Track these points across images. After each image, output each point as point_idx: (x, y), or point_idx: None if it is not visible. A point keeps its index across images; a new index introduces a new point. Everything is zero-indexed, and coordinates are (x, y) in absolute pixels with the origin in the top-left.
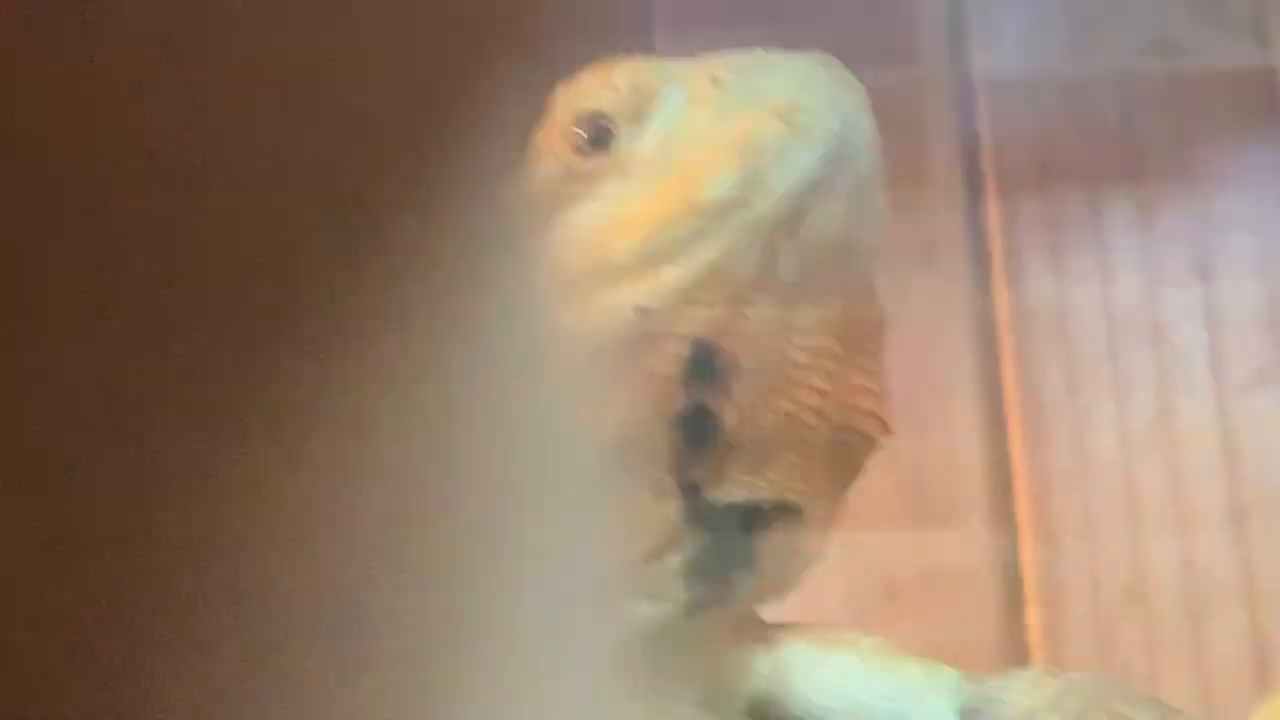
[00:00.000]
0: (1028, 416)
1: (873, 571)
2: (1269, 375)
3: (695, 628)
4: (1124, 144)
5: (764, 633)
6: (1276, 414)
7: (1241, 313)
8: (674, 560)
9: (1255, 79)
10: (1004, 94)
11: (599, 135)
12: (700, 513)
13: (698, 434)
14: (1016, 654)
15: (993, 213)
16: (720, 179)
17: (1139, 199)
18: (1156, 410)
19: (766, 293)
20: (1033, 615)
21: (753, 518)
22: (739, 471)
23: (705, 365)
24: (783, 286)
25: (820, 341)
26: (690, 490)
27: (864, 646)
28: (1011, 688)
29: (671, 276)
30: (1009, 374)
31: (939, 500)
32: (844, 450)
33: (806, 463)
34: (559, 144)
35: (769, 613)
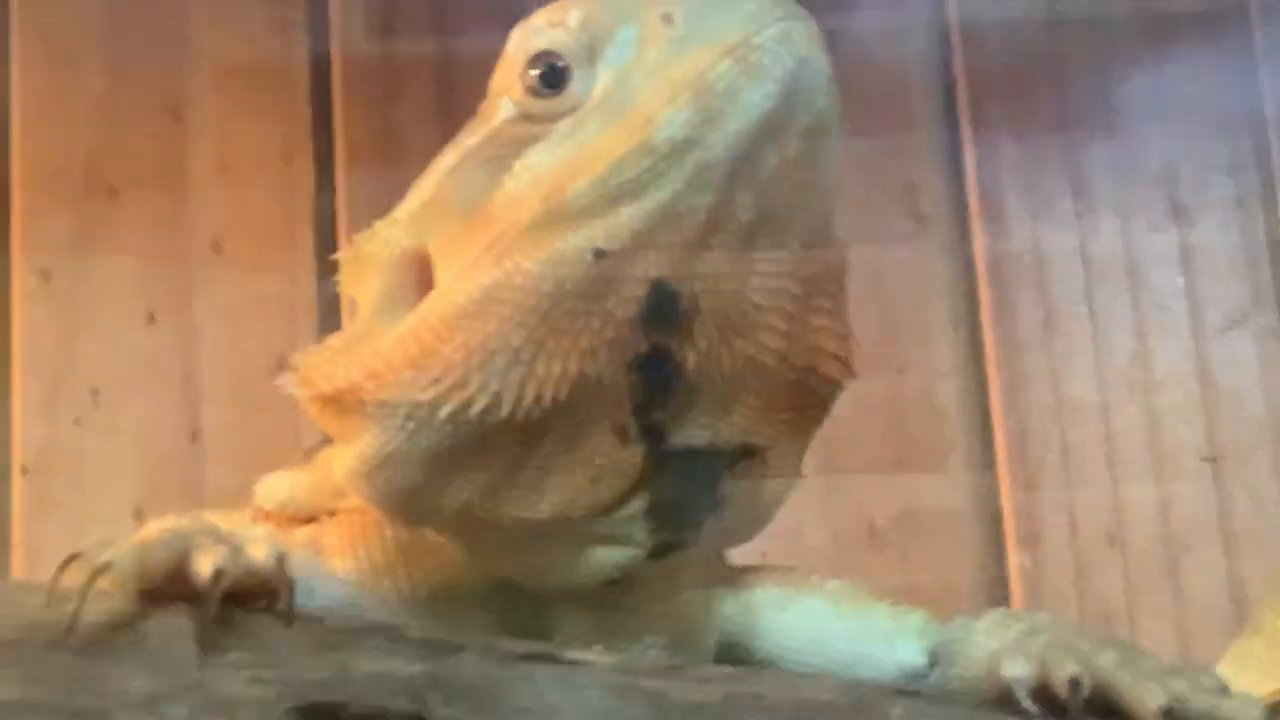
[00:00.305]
0: (1006, 359)
1: (853, 514)
2: (1244, 317)
3: (661, 572)
4: (1101, 87)
5: (731, 576)
6: (1252, 356)
7: (1218, 256)
8: (638, 505)
9: (1230, 19)
10: (981, 39)
11: (553, 76)
12: (664, 457)
13: (658, 377)
14: (996, 595)
15: (970, 155)
16: (673, 119)
17: (1116, 142)
18: (1134, 353)
19: (724, 234)
20: (1012, 557)
21: (717, 461)
22: (701, 415)
23: (664, 308)
24: (741, 227)
25: (779, 283)
26: (653, 435)
27: (831, 589)
28: (977, 629)
29: (628, 218)
30: (987, 317)
31: (918, 443)
32: (808, 393)
33: (769, 406)
34: (514, 85)
35: (738, 556)
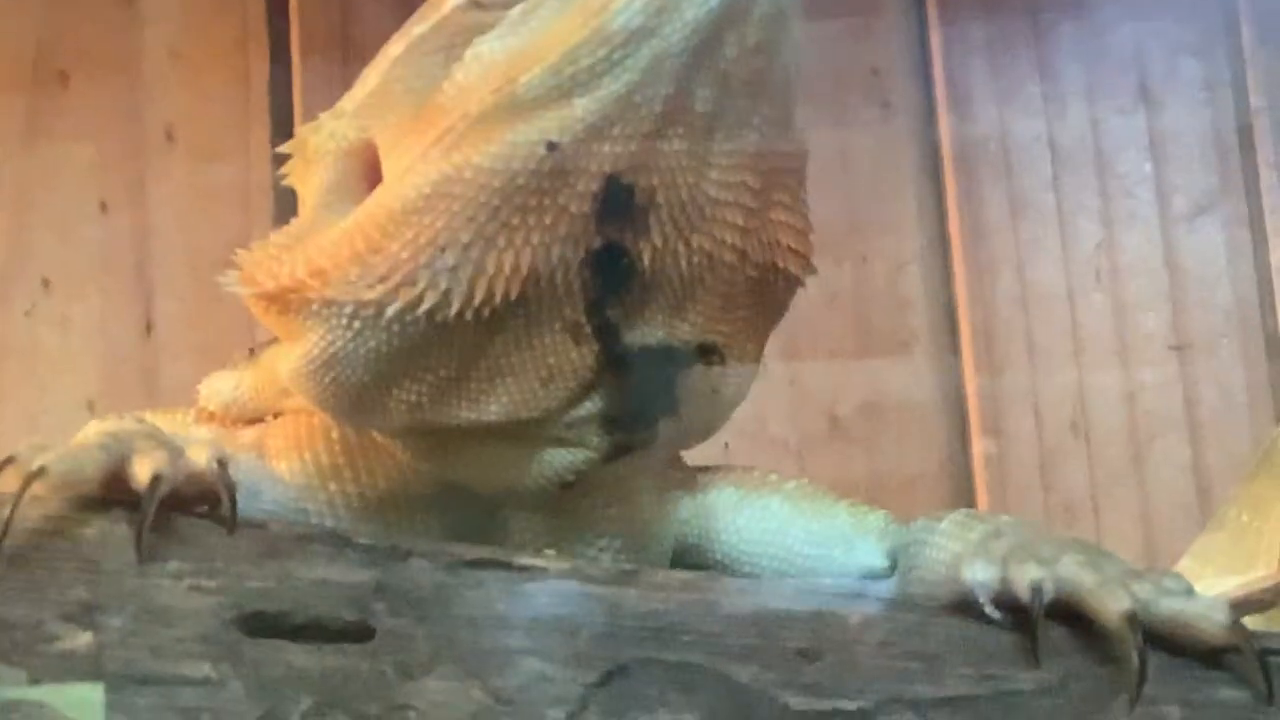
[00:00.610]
0: (971, 247)
1: (816, 404)
2: (1212, 204)
3: (615, 474)
4: None
5: (687, 478)
6: (1220, 244)
7: (1186, 142)
8: (591, 406)
9: None
10: None
11: None
12: (618, 357)
13: (612, 273)
14: (960, 485)
15: (936, 40)
16: (629, 5)
17: (1083, 26)
18: (1100, 240)
19: (680, 125)
20: (976, 446)
21: (673, 360)
22: (656, 313)
23: (619, 202)
24: (698, 119)
25: (737, 176)
26: (607, 333)
27: (790, 489)
28: (938, 530)
29: (581, 109)
30: (952, 204)
31: (882, 332)
32: (766, 289)
33: (727, 304)
34: None
35: (700, 448)
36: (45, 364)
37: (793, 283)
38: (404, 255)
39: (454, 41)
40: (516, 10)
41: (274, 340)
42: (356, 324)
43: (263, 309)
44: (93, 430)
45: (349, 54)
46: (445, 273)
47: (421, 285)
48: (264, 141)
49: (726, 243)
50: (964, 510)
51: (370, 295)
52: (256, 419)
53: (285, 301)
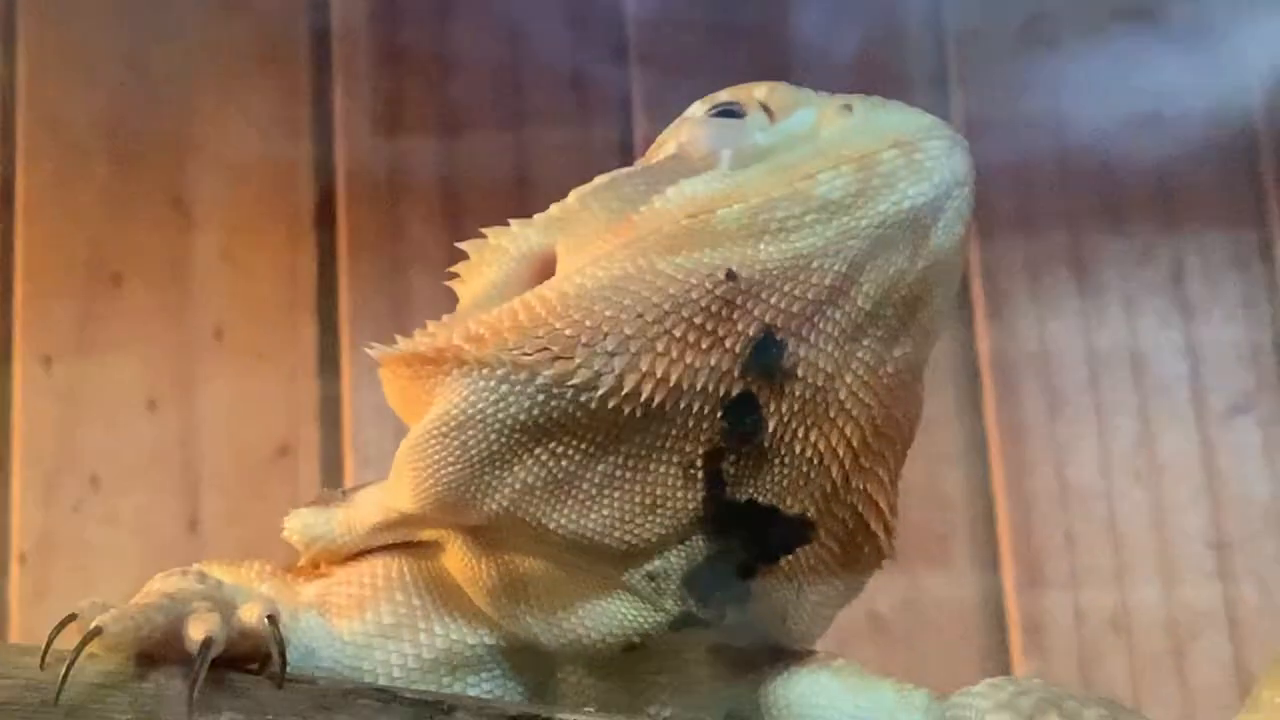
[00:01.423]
0: (1010, 446)
1: (857, 601)
2: (1248, 405)
3: (676, 643)
4: (1105, 184)
5: (740, 653)
6: (1257, 443)
7: (1222, 345)
8: (676, 559)
9: (1236, 120)
10: (986, 136)
11: (727, 111)
12: (716, 513)
13: (739, 426)
14: None
15: (976, 257)
16: (833, 180)
17: (1121, 238)
18: (1138, 439)
19: (840, 310)
20: (1016, 645)
21: (761, 542)
22: (762, 488)
23: (768, 356)
24: (855, 311)
25: (866, 395)
26: (714, 485)
27: (838, 665)
28: (974, 693)
29: (765, 254)
30: (990, 403)
31: (922, 531)
32: (851, 546)
33: (818, 522)
34: (685, 125)
35: None
36: (92, 559)
37: (871, 562)
38: (566, 331)
39: (659, 179)
40: (726, 162)
41: (364, 484)
42: (504, 388)
43: (406, 375)
44: (155, 586)
45: (396, 254)
46: (602, 356)
47: (577, 361)
48: (311, 340)
49: (837, 454)
50: (1000, 676)
51: (525, 360)
52: (342, 558)
53: (437, 362)
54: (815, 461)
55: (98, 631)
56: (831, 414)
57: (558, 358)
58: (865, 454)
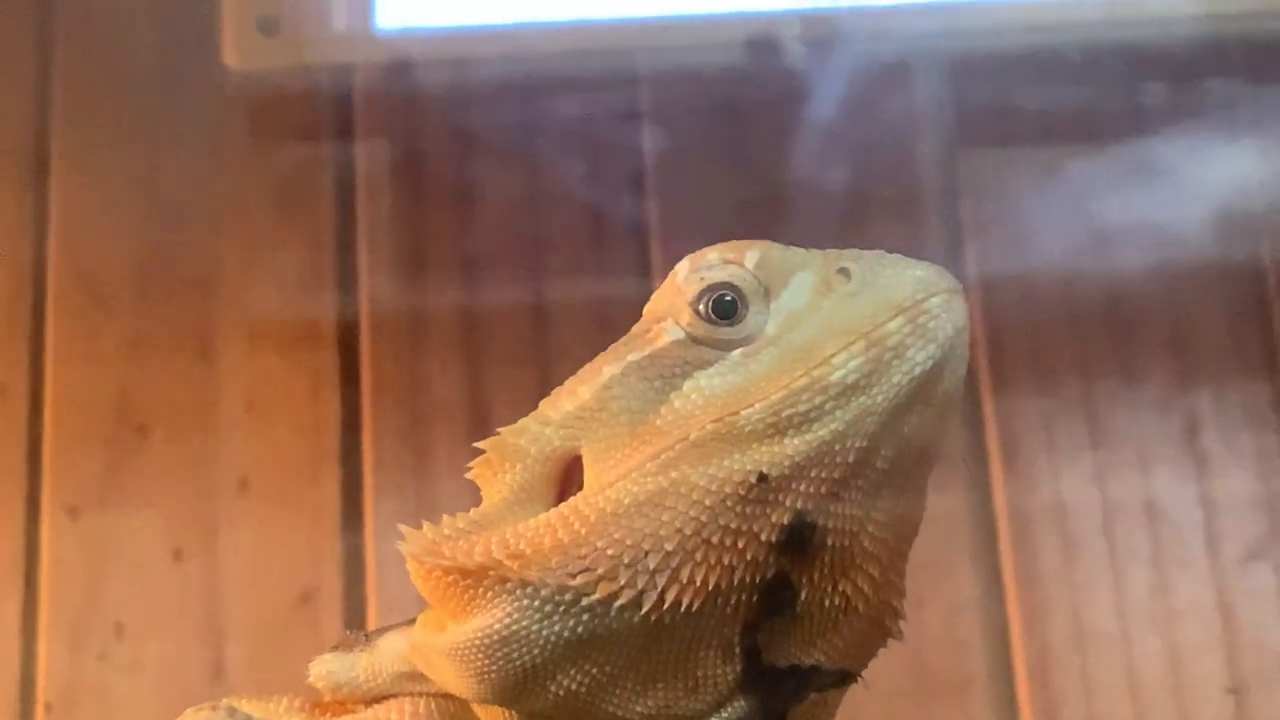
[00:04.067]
0: (1026, 593)
1: None
2: (1264, 552)
3: None
4: (1119, 336)
5: None
6: (1273, 588)
7: (1235, 493)
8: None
9: (1248, 275)
10: (997, 292)
11: (727, 308)
12: (754, 677)
13: (776, 601)
14: None
15: (990, 408)
16: (847, 363)
17: (1135, 390)
18: (1153, 585)
19: (861, 478)
20: None
21: (796, 686)
22: (795, 642)
23: (800, 538)
24: (876, 474)
25: (885, 534)
26: (751, 654)
27: None
28: None
29: (792, 448)
30: (1006, 551)
31: (939, 675)
32: (868, 639)
33: (846, 643)
34: (683, 312)
35: None
36: (115, 709)
37: (886, 638)
38: (609, 552)
39: (671, 372)
40: (737, 353)
41: (389, 628)
42: (548, 607)
43: (443, 582)
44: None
45: (418, 409)
46: (645, 574)
47: (621, 581)
48: (334, 491)
49: (863, 592)
50: None
51: (571, 583)
52: (367, 700)
53: (477, 577)
54: (843, 606)
55: None
56: (858, 562)
57: (602, 578)
58: (885, 576)
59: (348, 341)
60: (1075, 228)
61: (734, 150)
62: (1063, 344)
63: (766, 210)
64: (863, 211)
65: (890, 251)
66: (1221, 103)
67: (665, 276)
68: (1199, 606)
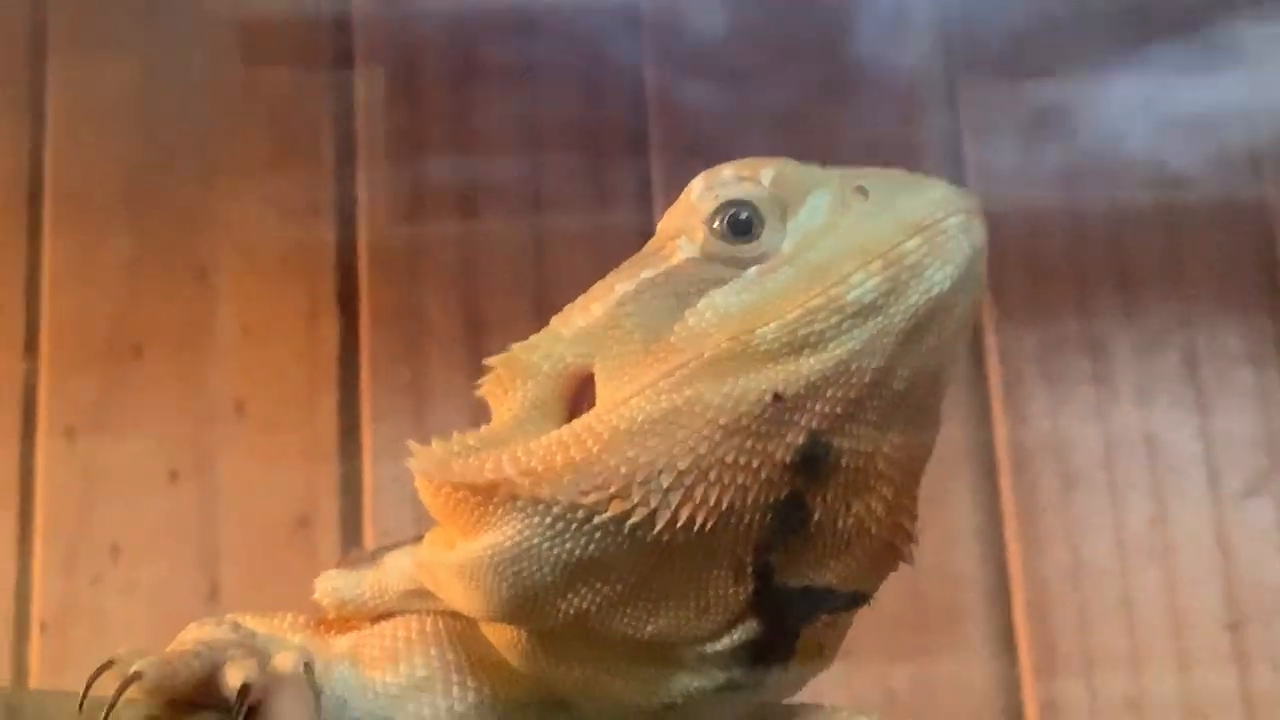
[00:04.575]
0: (1025, 527)
1: (872, 678)
2: (1262, 487)
3: (716, 701)
4: (1119, 274)
5: (770, 710)
6: (1272, 523)
7: (1235, 428)
8: (729, 640)
9: (1252, 212)
10: (1000, 226)
11: (742, 225)
12: (766, 598)
13: (787, 522)
14: None
15: (993, 345)
16: (865, 282)
17: (1134, 326)
18: (1152, 520)
19: (877, 399)
20: None
21: (808, 608)
22: (808, 563)
23: (815, 458)
24: (892, 395)
25: (899, 454)
26: (763, 574)
27: (861, 718)
28: None
29: (807, 368)
30: (1006, 484)
31: (937, 607)
32: (880, 561)
33: (858, 565)
34: (697, 229)
35: None
36: (111, 629)
37: (897, 561)
38: (622, 470)
39: (686, 289)
40: (753, 270)
41: (395, 545)
42: (559, 525)
43: (452, 498)
44: (190, 636)
45: (414, 335)
46: (658, 493)
47: (634, 500)
48: (331, 413)
49: (876, 514)
50: None
51: (584, 500)
52: (370, 617)
53: (488, 494)
54: (856, 528)
55: (137, 676)
56: (871, 483)
57: (614, 496)
58: (898, 499)
59: (345, 267)
60: (1076, 162)
61: (737, 105)
62: (1064, 279)
63: (774, 126)
64: (860, 145)
65: None
66: (1226, 37)
67: (665, 202)
68: (1197, 541)
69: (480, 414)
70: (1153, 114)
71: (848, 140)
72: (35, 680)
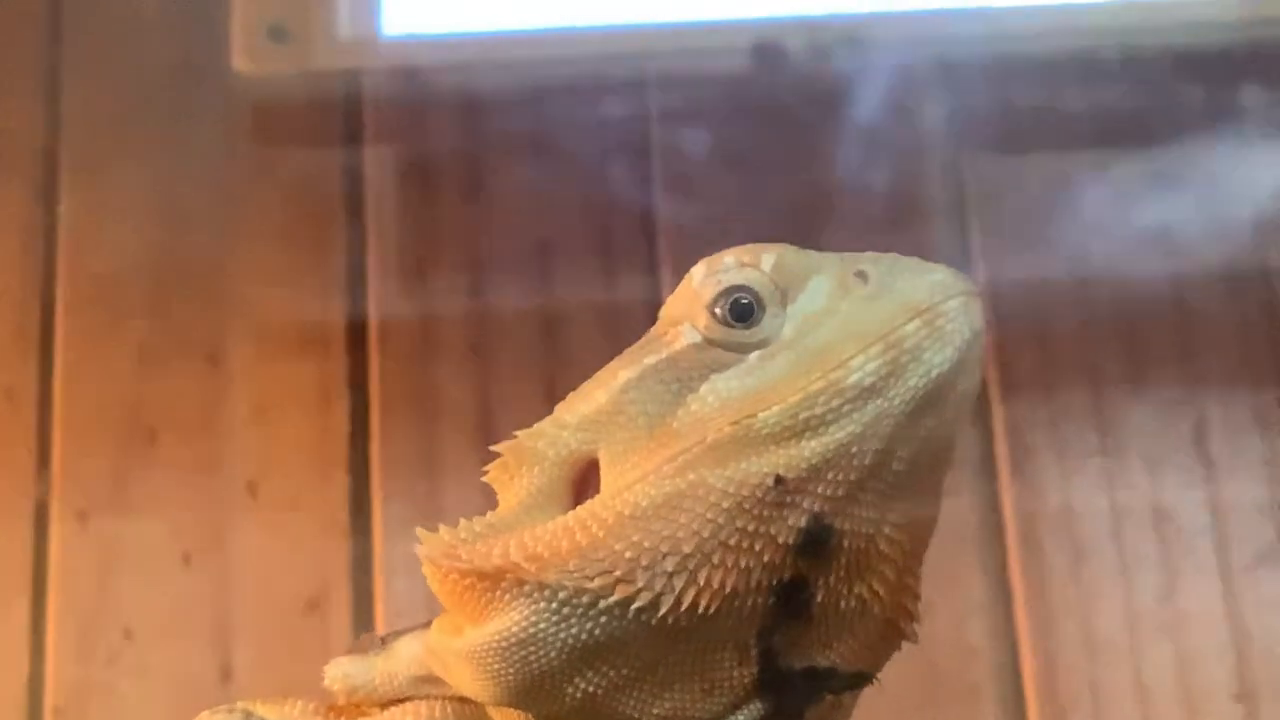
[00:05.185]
0: (1034, 600)
1: None
2: (1272, 557)
3: None
4: (1127, 345)
5: None
6: None
7: (1243, 499)
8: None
9: (1255, 280)
10: (1008, 299)
11: (743, 311)
12: (769, 679)
13: (792, 604)
14: None
15: (999, 416)
16: (865, 366)
17: (1143, 396)
18: (1162, 592)
19: (878, 480)
20: None
21: (812, 688)
22: (811, 644)
23: (817, 540)
24: (892, 476)
25: (900, 535)
26: (766, 656)
27: None
28: None
29: (809, 451)
30: (1014, 557)
31: (948, 680)
32: (883, 641)
33: (861, 645)
34: (699, 315)
35: None
36: (125, 713)
37: (900, 640)
38: (627, 554)
39: (688, 375)
40: (754, 356)
41: (404, 631)
42: (565, 610)
43: (460, 584)
44: None
45: (426, 415)
46: (662, 577)
47: (639, 584)
48: (342, 492)
49: (878, 594)
50: None
51: (589, 585)
52: (384, 703)
53: (495, 580)
54: (859, 609)
55: None
56: (873, 564)
57: (620, 581)
58: (901, 579)
59: (356, 347)
60: (1084, 234)
61: (743, 157)
62: (1071, 350)
63: (779, 216)
64: (868, 220)
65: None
66: (1230, 109)
67: (673, 284)
68: (1208, 613)
69: (492, 494)
70: (1158, 186)
71: (854, 227)
72: None
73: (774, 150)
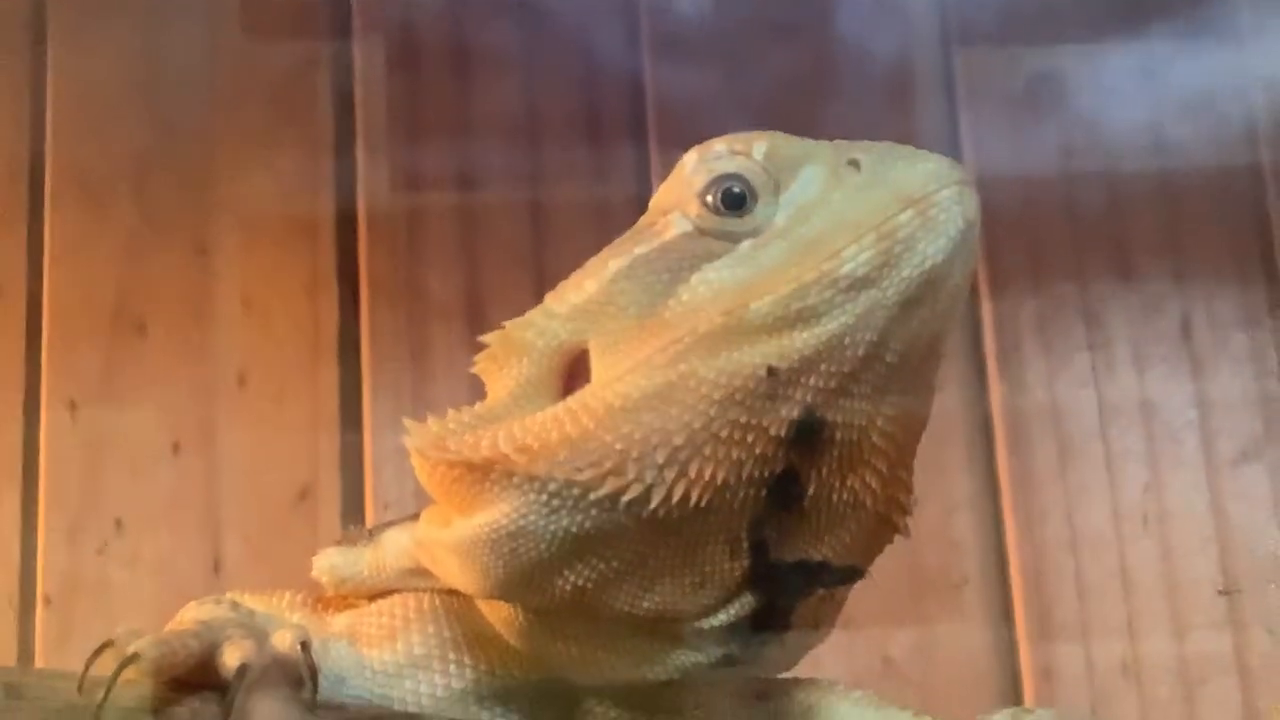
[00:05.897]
0: (1021, 494)
1: (870, 647)
2: (1257, 452)
3: (710, 677)
4: (1114, 242)
5: (762, 684)
6: (1266, 489)
7: (1229, 394)
8: (725, 616)
9: (1242, 172)
10: (994, 194)
11: (735, 199)
12: (761, 573)
13: (781, 497)
14: None
15: (988, 313)
16: (857, 256)
17: (1130, 291)
18: (1147, 487)
19: (871, 372)
20: (1027, 689)
21: (805, 582)
22: (803, 538)
23: (809, 432)
24: (885, 368)
25: (893, 428)
26: (758, 550)
27: (857, 696)
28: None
29: (801, 342)
30: (1002, 452)
31: (934, 574)
32: (874, 537)
33: (853, 539)
34: (690, 203)
35: None
36: (114, 602)
37: (893, 534)
38: (617, 446)
39: (679, 265)
40: (745, 245)
41: (392, 523)
42: (555, 502)
43: (448, 476)
44: (189, 615)
45: (414, 304)
46: (653, 469)
47: (629, 476)
48: (332, 383)
49: (870, 487)
50: (1015, 708)
51: (579, 477)
52: (372, 595)
53: (484, 471)
54: (851, 501)
55: (135, 657)
56: (865, 457)
57: (610, 473)
58: (893, 472)
59: (345, 239)
60: (1072, 127)
61: (736, 81)
62: (1059, 246)
63: (770, 104)
64: (858, 110)
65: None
66: (1223, 4)
67: (661, 175)
68: (1192, 508)
69: (480, 387)
70: (1149, 84)
71: (844, 115)
72: (40, 653)
73: (764, 35)
